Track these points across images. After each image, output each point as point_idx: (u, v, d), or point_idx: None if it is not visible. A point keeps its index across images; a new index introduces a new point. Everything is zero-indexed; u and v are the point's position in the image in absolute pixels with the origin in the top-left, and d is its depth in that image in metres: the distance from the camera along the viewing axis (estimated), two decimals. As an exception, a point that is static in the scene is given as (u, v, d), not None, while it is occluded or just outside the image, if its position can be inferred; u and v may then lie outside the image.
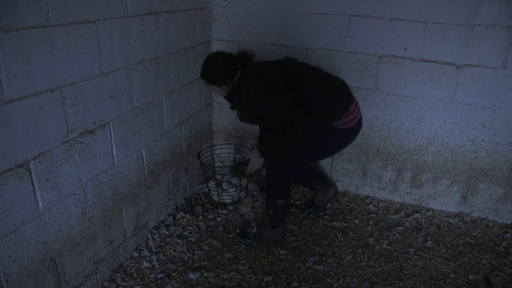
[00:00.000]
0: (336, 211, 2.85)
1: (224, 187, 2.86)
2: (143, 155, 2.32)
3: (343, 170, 3.01)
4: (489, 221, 2.81)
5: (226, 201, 2.80)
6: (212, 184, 2.85)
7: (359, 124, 2.33)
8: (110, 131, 1.99)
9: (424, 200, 2.92)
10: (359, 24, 2.62)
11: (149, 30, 2.20)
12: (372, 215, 2.82)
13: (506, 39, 2.41)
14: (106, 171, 2.01)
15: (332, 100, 2.20)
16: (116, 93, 2.00)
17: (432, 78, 2.59)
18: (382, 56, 2.64)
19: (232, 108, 2.39)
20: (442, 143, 2.74)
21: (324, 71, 2.30)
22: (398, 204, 2.95)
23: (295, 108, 2.05)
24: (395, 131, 2.79)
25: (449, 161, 2.77)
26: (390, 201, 2.98)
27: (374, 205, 2.92)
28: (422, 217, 2.82)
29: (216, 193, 2.79)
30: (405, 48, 2.58)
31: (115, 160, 2.06)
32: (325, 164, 3.04)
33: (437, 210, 2.90)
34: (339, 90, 2.26)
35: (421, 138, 2.75)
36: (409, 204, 2.95)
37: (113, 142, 2.03)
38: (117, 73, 1.97)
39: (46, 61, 1.55)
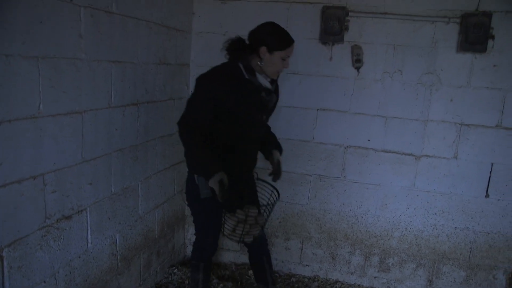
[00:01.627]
0: (308, 297, 2.87)
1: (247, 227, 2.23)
2: (117, 240, 2.33)
3: (312, 255, 3.07)
4: (455, 305, 2.89)
5: (247, 241, 2.25)
6: (232, 221, 2.22)
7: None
8: (86, 216, 2.02)
9: (392, 284, 2.98)
10: (326, 117, 2.86)
11: (130, 119, 2.33)
12: (342, 300, 2.86)
13: (455, 133, 2.69)
14: (79, 257, 2.01)
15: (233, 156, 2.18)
16: (95, 179, 2.06)
17: (394, 167, 2.80)
18: (347, 146, 2.86)
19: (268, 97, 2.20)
20: (406, 228, 2.88)
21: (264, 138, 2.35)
22: (367, 289, 3.00)
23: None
24: (362, 217, 2.92)
25: (413, 245, 2.89)
26: (359, 285, 3.02)
27: (343, 290, 2.97)
28: (391, 302, 2.87)
29: (238, 234, 2.19)
30: (368, 140, 2.82)
31: (89, 245, 2.07)
32: (295, 249, 3.09)
33: (405, 295, 2.96)
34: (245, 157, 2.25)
35: (386, 224, 2.89)
36: (378, 289, 3.01)
37: (88, 228, 2.05)
38: (98, 160, 2.06)
39: (33, 149, 1.64)
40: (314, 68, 2.84)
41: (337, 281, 3.06)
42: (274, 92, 2.23)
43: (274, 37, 2.09)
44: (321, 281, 3.06)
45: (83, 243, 2.02)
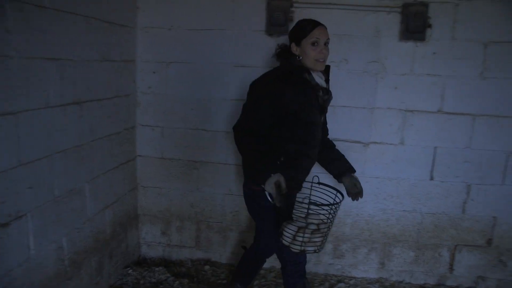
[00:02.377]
0: (264, 287, 2.88)
1: (307, 234, 2.01)
2: (64, 244, 2.24)
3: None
4: (406, 283, 3.00)
5: (309, 250, 2.04)
6: (291, 230, 2.03)
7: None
8: (27, 222, 1.93)
9: (346, 269, 3.06)
10: (274, 109, 2.87)
11: (73, 118, 2.24)
12: (299, 289, 2.89)
13: (400, 120, 2.78)
14: (20, 266, 1.91)
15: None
16: (36, 183, 1.97)
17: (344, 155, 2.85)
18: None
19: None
20: (357, 214, 2.95)
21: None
22: (322, 276, 3.05)
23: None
24: (315, 206, 2.97)
25: (365, 231, 2.98)
26: (315, 273, 3.08)
27: (300, 279, 3.00)
28: (345, 286, 2.94)
29: (299, 242, 1.99)
30: (317, 129, 2.85)
31: (31, 252, 1.98)
32: (250, 241, 3.08)
33: (359, 278, 3.04)
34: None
35: (339, 211, 2.93)
36: (333, 275, 3.07)
37: (30, 234, 1.96)
38: (37, 163, 1.97)
39: (-39, 155, 1.54)
40: (260, 60, 2.83)
41: (293, 270, 3.09)
42: (330, 90, 2.18)
43: (295, 29, 2.10)
44: (278, 272, 3.08)
45: (24, 251, 1.93)
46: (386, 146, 2.83)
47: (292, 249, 1.99)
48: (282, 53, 2.15)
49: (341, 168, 2.32)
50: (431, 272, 3.02)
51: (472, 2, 2.64)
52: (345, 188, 2.28)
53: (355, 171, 2.34)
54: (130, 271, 2.96)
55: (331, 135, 2.51)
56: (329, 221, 2.02)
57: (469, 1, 2.64)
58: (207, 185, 3.05)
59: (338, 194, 2.08)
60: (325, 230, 2.01)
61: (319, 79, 2.10)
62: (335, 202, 2.01)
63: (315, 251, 2.02)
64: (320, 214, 2.05)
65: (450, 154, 2.83)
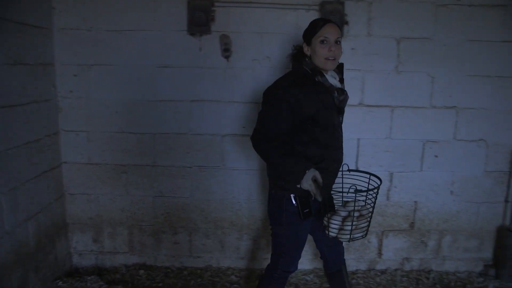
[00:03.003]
0: (200, 287, 2.89)
1: (354, 222, 2.04)
2: (-22, 261, 2.13)
3: (202, 246, 3.09)
4: (338, 273, 3.11)
5: (357, 237, 2.08)
6: (337, 220, 2.06)
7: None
8: None
9: (281, 263, 3.12)
10: (201, 108, 2.87)
11: (-19, 128, 2.12)
12: (235, 285, 2.92)
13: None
14: None
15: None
16: None
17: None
18: (224, 135, 2.91)
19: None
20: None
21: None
22: (258, 271, 3.10)
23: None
24: (245, 203, 3.01)
25: (296, 224, 3.05)
26: (251, 269, 3.12)
27: (235, 276, 3.03)
28: (281, 280, 3.00)
29: (347, 231, 2.04)
30: (244, 127, 2.89)
31: None
32: (184, 242, 3.09)
33: (294, 271, 3.12)
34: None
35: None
36: (269, 269, 3.12)
37: None
38: None
39: None
40: (184, 60, 2.82)
41: (228, 268, 3.12)
42: (345, 90, 2.13)
43: (306, 29, 2.08)
44: (214, 270, 3.10)
45: None
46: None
47: (341, 239, 2.04)
48: (297, 54, 2.12)
49: None
50: (362, 259, 3.16)
51: (383, 1, 2.77)
52: None
53: None
54: (60, 283, 2.85)
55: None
56: (370, 205, 2.05)
57: (381, 0, 2.77)
58: (136, 188, 3.00)
59: (372, 177, 2.12)
60: (369, 215, 2.05)
61: (332, 79, 2.06)
62: (377, 185, 2.03)
63: (362, 237, 2.06)
64: (359, 200, 2.06)
65: (373, 145, 2.97)
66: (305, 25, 2.74)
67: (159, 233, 3.07)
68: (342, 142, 2.18)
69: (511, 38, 2.86)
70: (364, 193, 2.00)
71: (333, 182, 2.16)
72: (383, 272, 3.15)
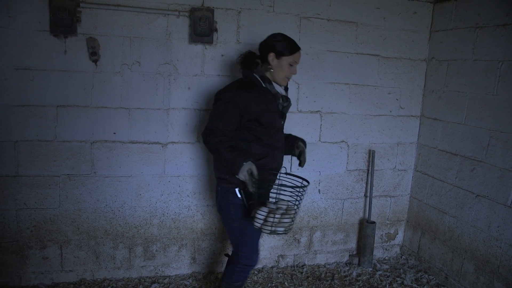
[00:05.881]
0: None
1: (278, 217, 2.17)
2: None
3: (74, 258, 2.93)
4: (218, 272, 3.17)
5: (279, 231, 2.19)
6: (263, 212, 2.17)
7: None
8: None
9: (159, 269, 3.10)
10: (68, 114, 2.73)
11: None
12: (109, 297, 2.83)
13: (196, 119, 2.92)
14: None
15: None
16: None
17: (143, 157, 2.88)
18: (94, 142, 2.80)
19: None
20: (163, 214, 3.01)
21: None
22: (136, 280, 3.03)
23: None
24: (119, 211, 2.92)
25: (173, 229, 3.05)
26: (128, 278, 3.04)
27: (112, 287, 2.93)
28: (159, 286, 2.97)
29: (270, 223, 2.15)
30: (114, 133, 2.81)
31: None
32: (54, 256, 2.89)
33: (173, 276, 3.11)
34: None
35: (144, 213, 2.97)
36: (147, 277, 3.07)
37: None
38: None
39: None
40: (48, 62, 2.65)
41: (104, 279, 3.00)
42: (289, 98, 2.43)
43: (281, 44, 2.27)
44: (88, 283, 2.95)
45: None
46: (184, 145, 2.95)
47: (264, 231, 2.17)
48: (246, 63, 2.33)
49: (291, 141, 2.56)
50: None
51: (251, 11, 2.91)
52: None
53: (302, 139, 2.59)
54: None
55: (130, 138, 2.69)
56: (295, 205, 2.22)
57: (249, 10, 2.91)
58: (-6, 202, 2.75)
59: (304, 182, 2.26)
60: (293, 213, 2.22)
61: (279, 87, 2.35)
62: (302, 185, 2.21)
63: (284, 232, 2.19)
64: (290, 201, 2.24)
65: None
66: (176, 31, 2.81)
67: (25, 249, 2.83)
68: (283, 143, 2.46)
69: (363, 51, 3.20)
70: (295, 192, 2.20)
71: (274, 180, 2.37)
72: (260, 270, 3.29)
